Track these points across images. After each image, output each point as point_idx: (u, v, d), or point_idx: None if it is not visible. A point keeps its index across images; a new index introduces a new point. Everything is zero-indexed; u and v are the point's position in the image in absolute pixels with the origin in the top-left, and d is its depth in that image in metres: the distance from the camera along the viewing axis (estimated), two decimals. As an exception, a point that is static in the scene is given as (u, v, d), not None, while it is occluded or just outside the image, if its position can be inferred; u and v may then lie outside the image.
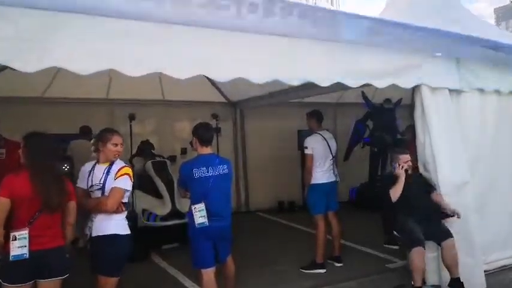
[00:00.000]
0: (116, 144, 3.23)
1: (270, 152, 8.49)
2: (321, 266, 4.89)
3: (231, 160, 3.91)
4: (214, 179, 3.54)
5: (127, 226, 3.26)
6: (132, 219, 5.57)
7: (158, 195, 5.99)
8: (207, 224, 3.45)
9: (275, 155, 8.42)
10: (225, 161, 3.73)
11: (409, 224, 4.12)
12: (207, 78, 7.86)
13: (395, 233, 4.35)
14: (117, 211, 3.14)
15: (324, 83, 3.89)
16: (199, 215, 3.45)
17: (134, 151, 6.49)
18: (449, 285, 4.10)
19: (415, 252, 3.93)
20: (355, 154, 8.54)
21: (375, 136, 8.25)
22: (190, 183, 3.56)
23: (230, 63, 3.43)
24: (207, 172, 3.53)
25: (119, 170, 3.18)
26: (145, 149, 6.57)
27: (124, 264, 3.23)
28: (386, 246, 5.73)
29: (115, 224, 3.16)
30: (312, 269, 4.89)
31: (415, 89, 4.49)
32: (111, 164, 3.24)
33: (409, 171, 4.26)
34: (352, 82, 4.04)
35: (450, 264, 4.02)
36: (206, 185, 3.51)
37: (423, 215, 4.16)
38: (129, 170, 3.23)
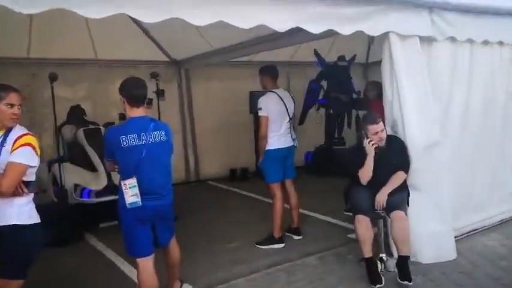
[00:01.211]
0: (12, 105, 2.45)
1: (220, 116, 7.80)
2: (279, 241, 4.38)
3: (169, 125, 3.16)
4: (148, 148, 2.82)
5: (34, 213, 2.51)
6: (61, 196, 4.85)
7: (92, 167, 5.18)
8: (140, 203, 2.76)
9: (225, 119, 7.74)
10: (162, 125, 3.03)
11: (359, 194, 3.71)
12: (147, 34, 7.03)
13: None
14: (16, 194, 2.38)
15: (280, 27, 3.25)
16: (131, 192, 2.75)
17: (59, 117, 5.56)
18: (396, 263, 3.58)
19: (356, 221, 3.56)
20: (310, 117, 8.00)
21: (330, 97, 7.78)
22: (118, 154, 2.83)
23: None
24: (139, 140, 2.81)
25: (17, 140, 2.40)
26: (75, 115, 5.67)
27: (32, 262, 2.49)
28: (347, 213, 5.28)
29: (17, 212, 2.41)
30: (268, 244, 4.36)
31: (383, 39, 3.93)
32: (8, 131, 2.45)
33: (381, 144, 3.68)
34: (313, 27, 3.41)
35: (396, 238, 3.55)
36: (138, 155, 2.79)
37: (380, 187, 3.66)
38: (31, 140, 2.45)
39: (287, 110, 4.41)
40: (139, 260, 2.86)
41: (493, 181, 4.74)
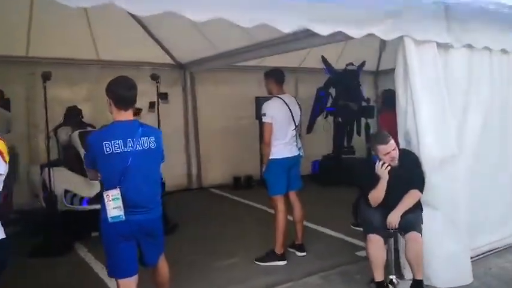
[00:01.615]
0: None
1: (225, 122, 7.52)
2: (281, 258, 4.05)
3: (160, 131, 2.88)
4: (135, 155, 2.53)
5: (-1, 228, 2.20)
6: (50, 202, 4.57)
7: (85, 173, 4.86)
8: (124, 217, 2.46)
9: (230, 124, 7.46)
10: (152, 131, 2.73)
11: (371, 213, 3.37)
12: (151, 35, 6.79)
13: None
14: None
15: (286, 28, 2.97)
16: (113, 205, 2.46)
17: (57, 119, 5.33)
18: (411, 286, 3.33)
19: (368, 241, 3.26)
20: (318, 125, 7.68)
21: (339, 105, 7.47)
22: (100, 162, 2.54)
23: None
24: (125, 146, 2.52)
25: (-19, 144, 2.11)
26: (71, 117, 5.41)
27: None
28: (355, 228, 4.94)
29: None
30: (269, 261, 4.03)
31: (396, 45, 3.63)
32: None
33: (394, 164, 3.32)
34: (321, 28, 3.11)
35: (410, 261, 3.28)
36: (122, 163, 2.50)
37: (392, 206, 3.33)
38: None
39: (293, 116, 4.10)
40: (120, 281, 2.56)
41: (510, 199, 4.37)
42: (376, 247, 3.21)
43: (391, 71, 8.37)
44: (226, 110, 7.46)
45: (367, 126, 7.81)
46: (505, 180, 4.30)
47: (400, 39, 3.53)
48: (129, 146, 2.52)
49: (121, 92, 2.61)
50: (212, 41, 6.17)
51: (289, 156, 4.08)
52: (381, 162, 3.27)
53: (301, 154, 4.21)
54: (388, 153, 3.26)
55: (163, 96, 7.09)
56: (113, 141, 2.48)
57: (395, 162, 3.31)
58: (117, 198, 2.45)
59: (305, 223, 4.46)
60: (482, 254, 3.99)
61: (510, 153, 4.37)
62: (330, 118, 7.71)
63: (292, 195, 4.23)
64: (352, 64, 7.46)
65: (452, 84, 3.77)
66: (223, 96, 7.42)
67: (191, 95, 7.34)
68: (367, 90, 8.25)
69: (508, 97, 4.32)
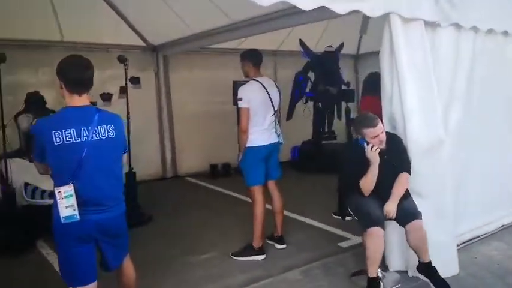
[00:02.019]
0: None
1: (201, 107, 7.17)
2: (259, 252, 3.78)
3: (121, 116, 2.51)
4: (91, 146, 2.19)
5: None
6: (8, 196, 4.17)
7: (48, 163, 4.47)
8: (78, 217, 2.13)
9: (207, 110, 7.10)
10: (111, 118, 2.38)
11: (366, 203, 3.08)
12: (120, 15, 6.33)
13: (350, 212, 3.28)
14: None
15: (265, 1, 2.67)
16: (66, 203, 2.12)
17: (12, 105, 4.87)
18: (418, 268, 3.15)
19: (370, 235, 2.94)
20: (297, 110, 7.41)
21: (318, 90, 7.20)
22: (50, 154, 2.18)
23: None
24: (78, 136, 2.17)
25: None
26: (33, 103, 4.96)
27: None
28: (336, 217, 4.72)
29: None
30: (246, 256, 3.77)
31: (380, 26, 3.38)
32: None
33: (382, 147, 3.09)
34: (303, 4, 2.83)
35: (418, 247, 3.06)
36: (76, 156, 2.16)
37: (386, 194, 3.10)
38: None
39: (272, 101, 3.80)
40: (78, 290, 2.23)
41: (493, 182, 4.21)
42: (378, 241, 2.94)
43: (372, 54, 8.27)
44: (202, 95, 7.11)
45: (348, 110, 7.59)
46: (487, 166, 4.11)
47: (386, 17, 3.26)
48: (83, 136, 2.17)
49: (73, 74, 2.25)
50: (186, 21, 5.79)
51: (268, 143, 3.79)
52: (370, 145, 3.03)
53: (280, 141, 3.92)
54: (377, 136, 3.03)
55: (134, 81, 6.66)
56: (63, 130, 2.13)
57: (383, 146, 3.09)
58: (70, 196, 2.11)
59: (285, 213, 4.20)
60: (465, 242, 3.82)
61: (493, 139, 4.18)
62: (310, 103, 7.44)
63: (271, 185, 3.96)
64: (330, 46, 7.18)
65: (439, 66, 3.52)
66: (198, 80, 7.05)
67: (165, 79, 6.93)
68: (347, 75, 8.00)
69: (495, 81, 4.12)
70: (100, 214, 2.23)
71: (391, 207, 3.02)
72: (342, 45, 7.29)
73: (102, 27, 6.12)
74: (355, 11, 3.05)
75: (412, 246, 3.07)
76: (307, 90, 7.42)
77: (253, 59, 3.82)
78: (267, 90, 3.76)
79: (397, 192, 3.08)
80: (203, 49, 6.83)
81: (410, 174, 3.21)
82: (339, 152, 3.98)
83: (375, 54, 7.90)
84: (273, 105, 3.81)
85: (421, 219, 3.05)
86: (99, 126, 2.25)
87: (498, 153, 4.25)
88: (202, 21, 5.59)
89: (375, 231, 2.93)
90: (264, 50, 7.44)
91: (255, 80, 3.77)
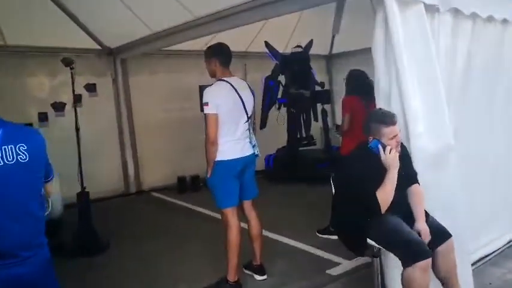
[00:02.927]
0: None
1: (165, 115, 6.42)
2: (235, 286, 3.06)
3: (40, 132, 1.76)
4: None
5: None
6: None
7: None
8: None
9: (171, 118, 6.35)
10: (23, 135, 1.65)
11: (400, 227, 2.39)
12: (70, 16, 5.50)
13: (372, 243, 2.46)
14: None
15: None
16: None
17: None
18: None
19: (422, 269, 2.22)
20: (271, 116, 6.73)
21: (291, 94, 6.57)
22: None
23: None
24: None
25: None
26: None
27: None
28: (322, 236, 4.09)
29: None
30: (221, 293, 3.04)
31: (375, 7, 2.74)
32: None
33: (398, 150, 2.48)
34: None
35: (448, 278, 2.43)
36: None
37: (407, 211, 2.48)
38: None
39: (244, 106, 3.11)
40: None
41: (496, 193, 3.66)
42: (428, 276, 2.26)
43: (345, 54, 7.74)
44: (165, 102, 6.35)
45: (324, 112, 6.99)
46: (487, 174, 3.54)
47: (380, 0, 2.65)
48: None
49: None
50: (145, 20, 5.06)
51: (242, 156, 3.09)
52: (388, 148, 2.41)
53: (256, 153, 3.23)
54: (396, 135, 2.44)
55: (90, 88, 5.91)
56: None
57: (399, 149, 2.49)
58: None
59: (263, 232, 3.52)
60: (474, 263, 3.23)
61: (498, 142, 3.64)
62: (283, 109, 6.78)
63: (247, 206, 3.26)
64: (298, 46, 6.56)
65: (438, 59, 2.93)
66: (161, 86, 6.29)
67: (124, 85, 6.12)
68: (320, 77, 7.40)
69: (498, 79, 3.59)
70: (10, 269, 1.50)
71: (424, 226, 2.41)
72: (310, 43, 6.69)
73: (51, 29, 5.28)
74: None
75: (442, 276, 2.44)
76: (279, 95, 6.77)
77: (220, 55, 3.12)
78: (238, 93, 3.06)
79: (421, 209, 2.50)
80: (165, 51, 6.10)
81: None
82: (348, 158, 3.11)
83: (349, 54, 7.48)
84: (246, 111, 3.12)
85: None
86: (3, 148, 1.51)
87: (500, 159, 3.70)
88: (163, 19, 4.87)
89: (426, 264, 2.24)
90: (233, 51, 6.93)
91: (223, 80, 3.07)
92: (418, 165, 2.67)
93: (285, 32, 7.07)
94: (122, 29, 5.41)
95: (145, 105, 6.24)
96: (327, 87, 7.71)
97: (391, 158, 2.39)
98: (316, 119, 6.98)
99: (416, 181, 2.61)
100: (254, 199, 3.29)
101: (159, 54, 6.19)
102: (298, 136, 6.83)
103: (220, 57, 3.10)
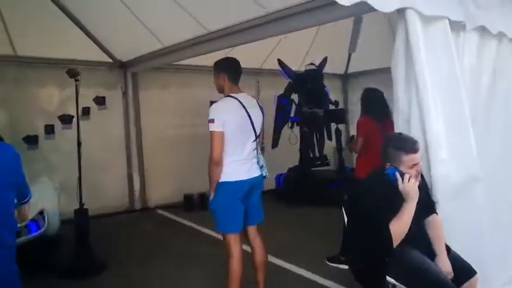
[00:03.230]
0: None
1: (174, 131, 6.25)
2: (236, 320, 2.79)
3: (12, 147, 1.57)
4: None
5: None
6: None
7: None
8: None
9: (181, 134, 6.18)
10: None
11: (423, 263, 2.15)
12: (81, 28, 5.43)
13: (392, 281, 2.22)
14: None
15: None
16: None
17: None
18: None
19: None
20: (283, 135, 6.51)
21: (303, 113, 6.35)
22: None
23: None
24: None
25: None
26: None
27: None
28: (332, 264, 3.79)
29: None
30: (220, 328, 2.77)
31: (396, 23, 2.55)
32: None
33: (418, 180, 2.23)
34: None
35: None
36: None
37: (426, 244, 2.23)
38: None
39: (252, 124, 2.89)
40: None
41: None
42: None
43: (361, 74, 7.52)
44: (175, 117, 6.19)
45: (338, 131, 6.74)
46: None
47: (401, 15, 2.44)
48: None
49: None
50: (157, 34, 4.94)
51: (248, 178, 2.86)
52: (407, 176, 2.16)
53: (264, 174, 2.99)
54: (416, 164, 2.19)
55: (99, 101, 5.78)
56: None
57: (420, 179, 2.24)
58: None
59: (268, 258, 3.26)
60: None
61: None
62: (296, 128, 6.55)
63: (252, 232, 3.01)
64: (312, 64, 6.37)
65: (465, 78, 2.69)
66: (172, 100, 6.14)
67: (134, 99, 5.99)
68: (335, 96, 7.17)
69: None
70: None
71: (446, 263, 2.18)
72: (325, 61, 6.49)
73: (61, 40, 5.21)
74: (363, 3, 2.21)
75: None
76: (292, 114, 6.56)
77: (228, 69, 2.93)
78: (246, 110, 2.85)
79: (442, 242, 2.26)
80: (176, 66, 5.98)
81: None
82: (362, 184, 2.85)
83: (365, 73, 7.24)
84: (254, 129, 2.90)
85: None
86: None
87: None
88: (175, 33, 4.74)
89: None
90: (246, 68, 6.77)
91: (231, 96, 2.87)
92: (438, 194, 2.42)
93: (300, 50, 6.91)
94: (133, 43, 5.31)
95: (155, 120, 6.09)
96: (341, 106, 7.49)
97: (409, 188, 2.14)
98: (329, 138, 6.74)
99: (434, 211, 2.36)
100: (260, 224, 3.04)
101: (170, 68, 6.06)
102: (311, 156, 6.57)
103: (228, 72, 2.91)
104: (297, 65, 6.67)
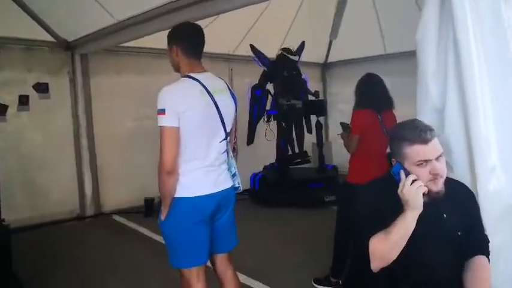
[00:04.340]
0: None
1: (134, 123, 5.34)
2: None
3: None
4: None
5: None
6: None
7: None
8: None
9: (141, 127, 5.25)
10: None
11: None
12: (15, 1, 4.39)
13: None
14: None
15: None
16: None
17: None
18: None
19: None
20: (258, 131, 5.70)
21: (280, 105, 5.56)
22: None
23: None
24: None
25: None
26: None
27: None
28: (318, 287, 3.04)
29: None
30: None
31: None
32: None
33: (437, 190, 1.49)
34: None
35: None
36: None
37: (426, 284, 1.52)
38: None
39: (221, 117, 2.05)
40: None
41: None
42: None
43: (343, 63, 6.80)
44: (135, 108, 5.25)
45: (318, 125, 5.98)
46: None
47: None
48: None
49: None
50: (106, 6, 4.00)
51: (215, 191, 2.03)
52: (410, 177, 1.47)
53: (236, 185, 2.17)
54: (428, 161, 1.48)
55: (41, 88, 4.80)
56: None
57: (439, 188, 1.49)
58: None
59: (241, 278, 2.50)
60: None
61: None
62: (273, 122, 5.75)
63: (221, 262, 2.19)
64: (289, 50, 5.58)
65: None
66: (130, 89, 5.19)
67: (84, 86, 4.98)
68: (314, 87, 6.40)
69: None
70: None
71: None
72: (302, 45, 5.72)
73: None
74: None
75: None
76: (268, 107, 5.75)
77: (181, 37, 2.07)
78: (212, 97, 2.01)
79: None
80: (136, 48, 5.06)
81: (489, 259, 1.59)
82: (354, 196, 2.10)
83: (347, 62, 6.51)
84: (223, 124, 2.06)
85: None
86: None
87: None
88: (129, 4, 3.83)
89: None
90: (217, 53, 5.93)
91: (190, 77, 2.01)
92: (486, 219, 1.66)
93: (275, 37, 6.13)
94: (80, 17, 4.34)
95: (110, 111, 5.13)
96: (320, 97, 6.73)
97: (409, 194, 1.45)
98: (309, 131, 5.97)
99: (483, 251, 1.59)
100: (230, 252, 2.22)
101: (129, 52, 5.14)
102: (290, 153, 5.80)
103: (182, 41, 2.05)
104: (273, 53, 5.87)
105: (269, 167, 5.97)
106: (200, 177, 1.99)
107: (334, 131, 7.59)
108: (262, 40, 5.60)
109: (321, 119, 6.17)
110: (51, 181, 4.79)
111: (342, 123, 3.19)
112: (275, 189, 5.52)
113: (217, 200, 2.03)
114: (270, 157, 5.89)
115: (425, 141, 1.47)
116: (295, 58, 5.59)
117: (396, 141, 1.55)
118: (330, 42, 6.95)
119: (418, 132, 1.48)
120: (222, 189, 2.06)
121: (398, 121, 3.02)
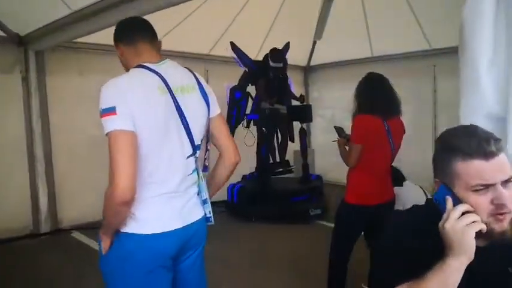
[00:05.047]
0: None
1: (97, 130, 4.54)
2: None
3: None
4: None
5: None
6: None
7: None
8: None
9: (104, 135, 4.54)
10: None
11: None
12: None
13: None
14: None
15: None
16: None
17: None
18: None
19: None
20: (237, 136, 5.13)
21: (262, 110, 5.05)
22: None
23: None
24: None
25: None
26: None
27: None
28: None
29: None
30: None
31: None
32: None
33: (501, 229, 0.94)
34: None
35: None
36: None
37: None
38: None
39: (186, 123, 1.48)
40: None
41: None
42: None
43: (327, 65, 6.34)
44: (97, 114, 4.56)
45: (302, 132, 5.47)
46: None
47: None
48: None
49: None
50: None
51: (179, 227, 1.45)
52: (461, 207, 0.94)
53: (208, 215, 1.60)
54: (490, 186, 0.95)
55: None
56: None
57: (505, 227, 0.95)
58: None
59: None
60: None
61: None
62: (253, 127, 5.22)
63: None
64: (276, 50, 5.09)
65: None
66: (93, 91, 4.47)
67: (39, 87, 4.29)
68: (297, 91, 5.91)
69: None
70: None
71: None
72: (287, 46, 5.26)
73: None
74: None
75: None
76: (248, 111, 5.22)
77: (121, 32, 1.56)
78: (173, 95, 1.44)
79: None
80: (101, 46, 4.40)
81: None
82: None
83: (331, 66, 6.07)
84: (189, 133, 1.49)
85: None
86: None
87: None
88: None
89: None
90: (192, 53, 5.36)
91: (144, 67, 1.45)
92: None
93: (255, 39, 5.66)
94: (32, 8, 3.70)
95: (70, 115, 4.47)
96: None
97: (456, 229, 0.94)
98: (292, 139, 5.45)
99: None
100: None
101: (92, 49, 4.50)
102: (271, 161, 5.26)
103: (123, 36, 1.54)
104: (253, 53, 5.35)
105: (248, 177, 5.41)
106: (159, 208, 1.42)
107: (318, 138, 7.23)
108: (242, 40, 5.08)
109: (305, 125, 5.68)
110: (0, 194, 4.12)
111: (336, 127, 2.71)
112: (255, 201, 4.97)
113: (182, 238, 1.46)
114: (250, 166, 5.33)
115: (487, 156, 0.96)
116: (279, 65, 5.09)
117: (443, 154, 1.04)
118: (314, 44, 6.48)
119: (477, 142, 0.97)
120: (190, 222, 1.49)
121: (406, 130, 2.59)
